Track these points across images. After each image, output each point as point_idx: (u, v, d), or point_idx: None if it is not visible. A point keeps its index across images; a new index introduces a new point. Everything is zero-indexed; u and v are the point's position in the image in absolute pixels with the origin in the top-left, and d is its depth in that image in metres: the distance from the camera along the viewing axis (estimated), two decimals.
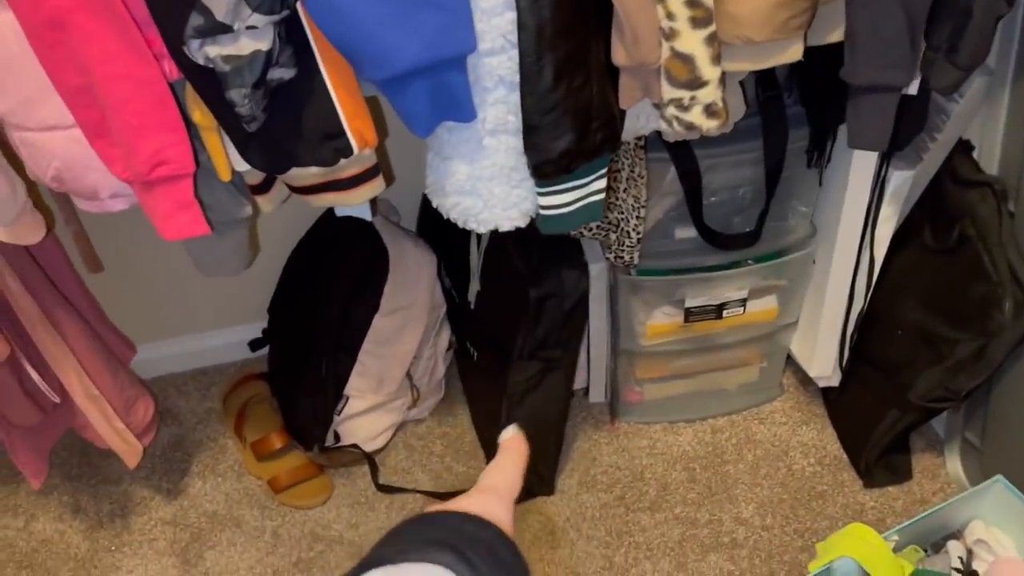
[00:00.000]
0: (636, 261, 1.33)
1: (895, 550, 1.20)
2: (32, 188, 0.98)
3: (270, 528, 1.51)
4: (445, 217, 1.06)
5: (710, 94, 0.93)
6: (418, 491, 1.54)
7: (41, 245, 1.15)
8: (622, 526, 1.48)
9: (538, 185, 1.00)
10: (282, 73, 0.86)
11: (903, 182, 1.30)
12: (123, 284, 1.56)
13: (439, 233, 1.54)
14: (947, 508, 1.23)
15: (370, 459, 1.56)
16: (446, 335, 1.63)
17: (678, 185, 1.31)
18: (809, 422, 1.61)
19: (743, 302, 1.45)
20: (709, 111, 0.94)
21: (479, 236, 1.45)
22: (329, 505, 1.53)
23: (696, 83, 0.92)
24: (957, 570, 1.18)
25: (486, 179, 0.99)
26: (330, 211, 1.47)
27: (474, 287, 1.49)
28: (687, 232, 1.37)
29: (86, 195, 0.92)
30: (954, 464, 1.49)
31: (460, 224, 1.04)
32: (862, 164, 1.29)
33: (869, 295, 1.41)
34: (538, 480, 1.51)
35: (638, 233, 1.29)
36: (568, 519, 1.49)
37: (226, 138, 0.93)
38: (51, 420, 1.44)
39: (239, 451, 1.61)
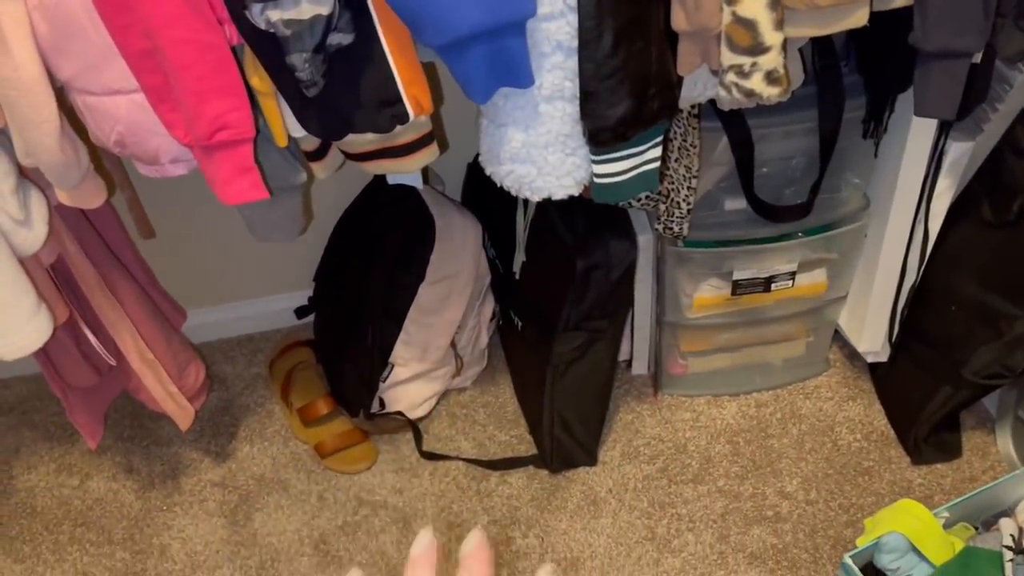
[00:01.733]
0: (685, 232, 1.32)
1: (945, 527, 1.18)
2: (94, 153, 0.99)
3: (316, 492, 1.53)
4: (498, 185, 1.05)
5: (772, 60, 0.91)
6: (461, 458, 1.55)
7: (98, 210, 1.17)
8: (664, 498, 1.48)
9: (593, 153, 0.99)
10: (340, 38, 0.86)
11: (962, 154, 1.26)
12: (172, 250, 1.59)
13: (484, 203, 1.54)
14: (999, 486, 1.22)
15: (414, 426, 1.58)
16: (490, 305, 1.64)
17: (729, 155, 1.29)
18: (855, 397, 1.59)
19: (792, 275, 1.44)
20: (770, 78, 0.92)
21: (526, 206, 1.44)
22: (374, 470, 1.55)
23: (758, 49, 0.90)
24: (1008, 547, 1.16)
25: (541, 146, 0.98)
26: (377, 180, 1.48)
27: (519, 257, 1.49)
28: (737, 203, 1.35)
29: (147, 160, 0.94)
30: (1005, 442, 1.47)
31: (514, 192, 1.04)
32: (920, 135, 1.26)
33: (922, 269, 1.38)
34: (581, 451, 1.52)
35: (688, 204, 1.28)
36: (610, 490, 1.50)
37: (283, 104, 0.93)
38: (106, 382, 1.47)
39: (285, 416, 1.64)
